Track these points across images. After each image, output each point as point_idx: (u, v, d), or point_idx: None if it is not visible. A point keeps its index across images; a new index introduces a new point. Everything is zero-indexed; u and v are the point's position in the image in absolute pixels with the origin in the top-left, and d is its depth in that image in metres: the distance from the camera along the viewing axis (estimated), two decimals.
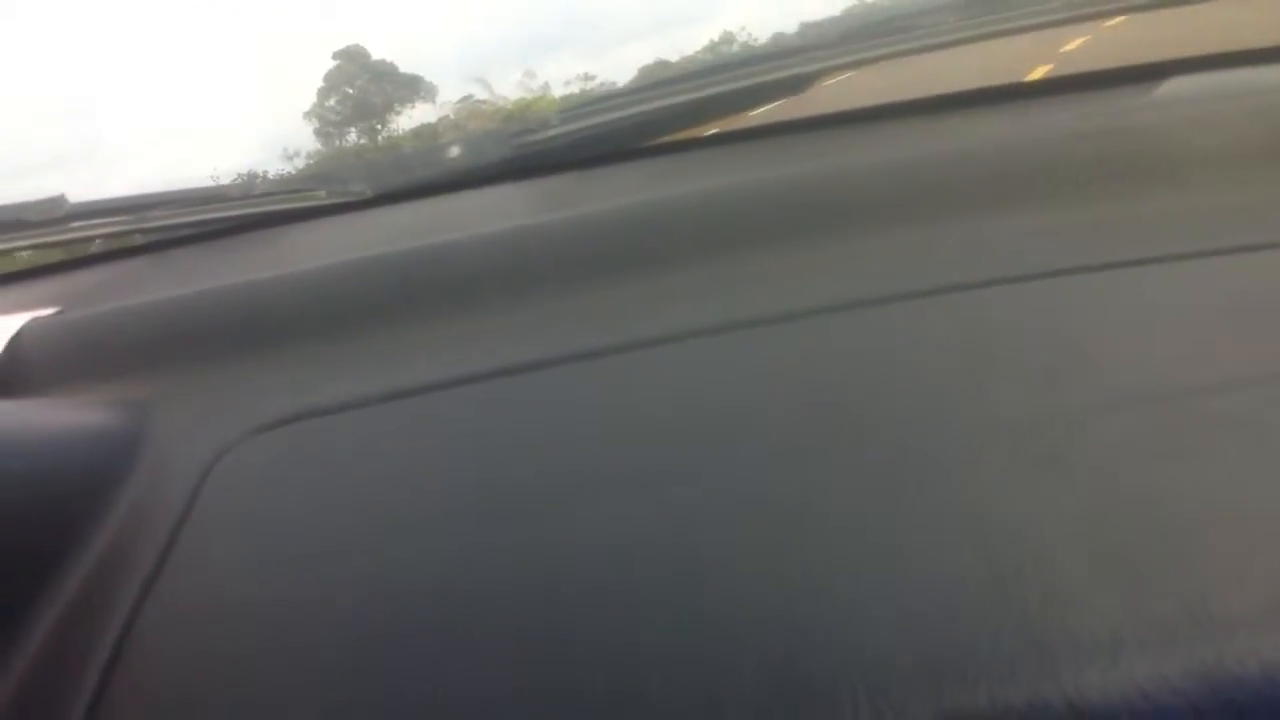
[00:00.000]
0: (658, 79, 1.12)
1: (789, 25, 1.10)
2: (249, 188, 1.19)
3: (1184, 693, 0.40)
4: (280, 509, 0.63)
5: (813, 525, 0.52)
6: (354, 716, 0.49)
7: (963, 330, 0.65)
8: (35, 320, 0.92)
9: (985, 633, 0.44)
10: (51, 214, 1.10)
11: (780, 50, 1.09)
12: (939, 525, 0.50)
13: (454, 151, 1.17)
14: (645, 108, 1.10)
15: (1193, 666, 0.41)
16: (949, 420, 0.56)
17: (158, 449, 0.69)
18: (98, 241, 1.27)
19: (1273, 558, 0.45)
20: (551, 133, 1.12)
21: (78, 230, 1.16)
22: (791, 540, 0.51)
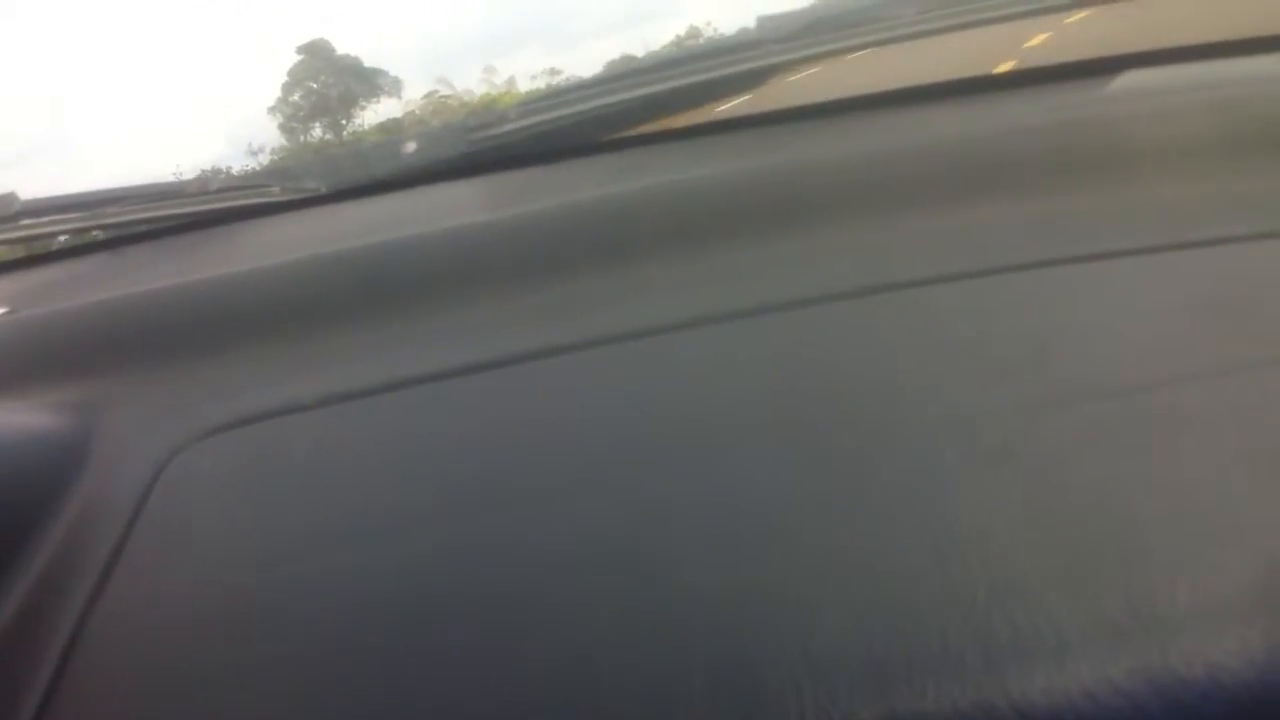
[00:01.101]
0: (618, 72, 1.11)
1: (754, 20, 1.09)
2: (204, 184, 1.17)
3: (1129, 694, 0.40)
4: (231, 512, 0.63)
5: (763, 522, 0.52)
6: (303, 712, 0.49)
7: (920, 324, 0.65)
8: None
9: (933, 633, 0.44)
10: (3, 212, 1.08)
11: (742, 43, 1.09)
12: (888, 523, 0.50)
13: (410, 147, 1.16)
14: (605, 101, 1.09)
15: (1138, 667, 0.41)
16: (902, 415, 0.56)
17: (107, 451, 0.68)
18: (51, 239, 1.26)
19: (1221, 557, 0.45)
20: (509, 127, 1.11)
21: (30, 228, 1.14)
22: (741, 539, 0.51)
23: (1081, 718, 0.40)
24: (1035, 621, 0.43)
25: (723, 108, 1.28)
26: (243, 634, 0.54)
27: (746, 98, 1.33)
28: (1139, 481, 0.49)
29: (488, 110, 1.18)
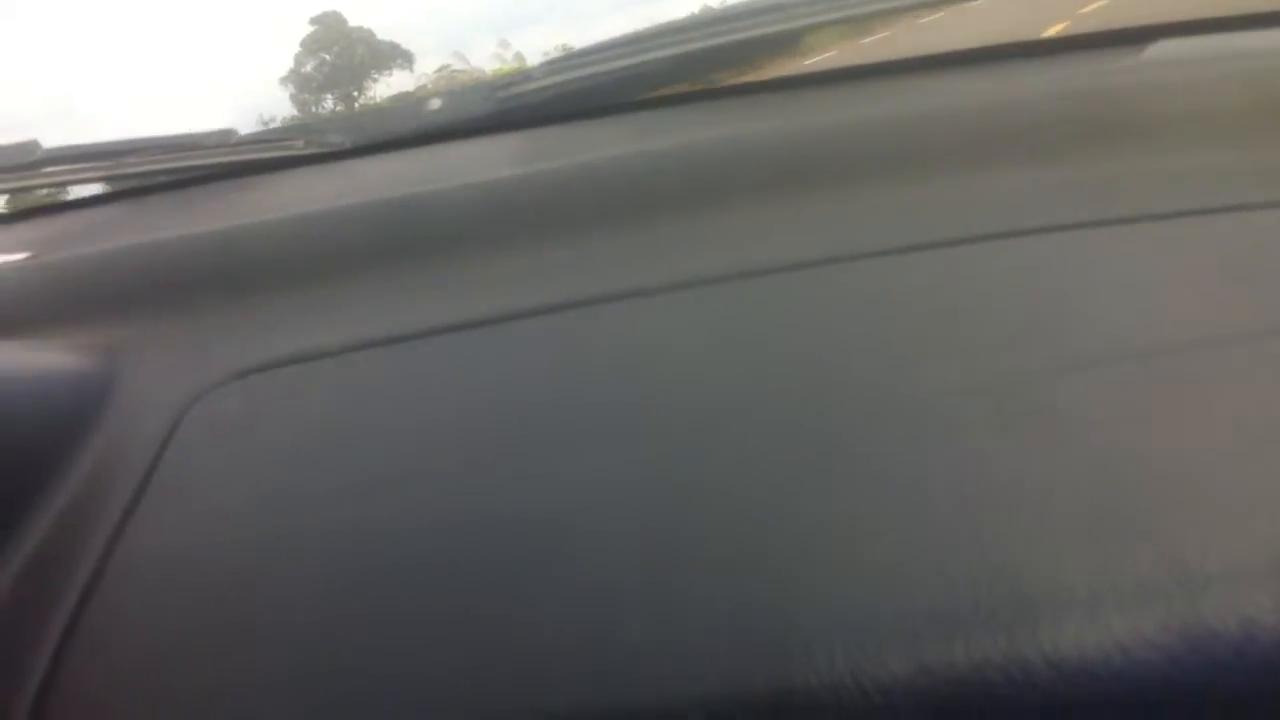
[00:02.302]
0: (645, 33, 1.10)
1: None
2: (227, 136, 1.17)
3: (1161, 647, 0.40)
4: (253, 455, 0.63)
5: (792, 479, 0.52)
6: (323, 661, 0.49)
7: (945, 286, 0.64)
8: (7, 264, 0.91)
9: (964, 586, 0.44)
10: (25, 158, 1.08)
11: (770, 5, 1.08)
12: (919, 480, 0.50)
13: (435, 104, 1.16)
14: (631, 61, 1.08)
15: (1171, 621, 0.41)
16: (930, 376, 0.56)
17: (130, 393, 0.69)
18: (72, 188, 1.26)
19: (1249, 513, 0.45)
20: (536, 85, 1.10)
21: (52, 176, 1.14)
22: (772, 494, 0.51)
23: (1114, 671, 0.40)
24: (1067, 575, 0.43)
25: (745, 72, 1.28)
26: (258, 582, 0.54)
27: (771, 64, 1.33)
28: (1167, 441, 0.49)
29: (513, 72, 1.17)
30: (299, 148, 1.15)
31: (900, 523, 0.48)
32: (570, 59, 1.15)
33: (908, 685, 0.42)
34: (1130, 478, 0.48)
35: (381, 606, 0.51)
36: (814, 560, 0.47)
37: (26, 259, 0.93)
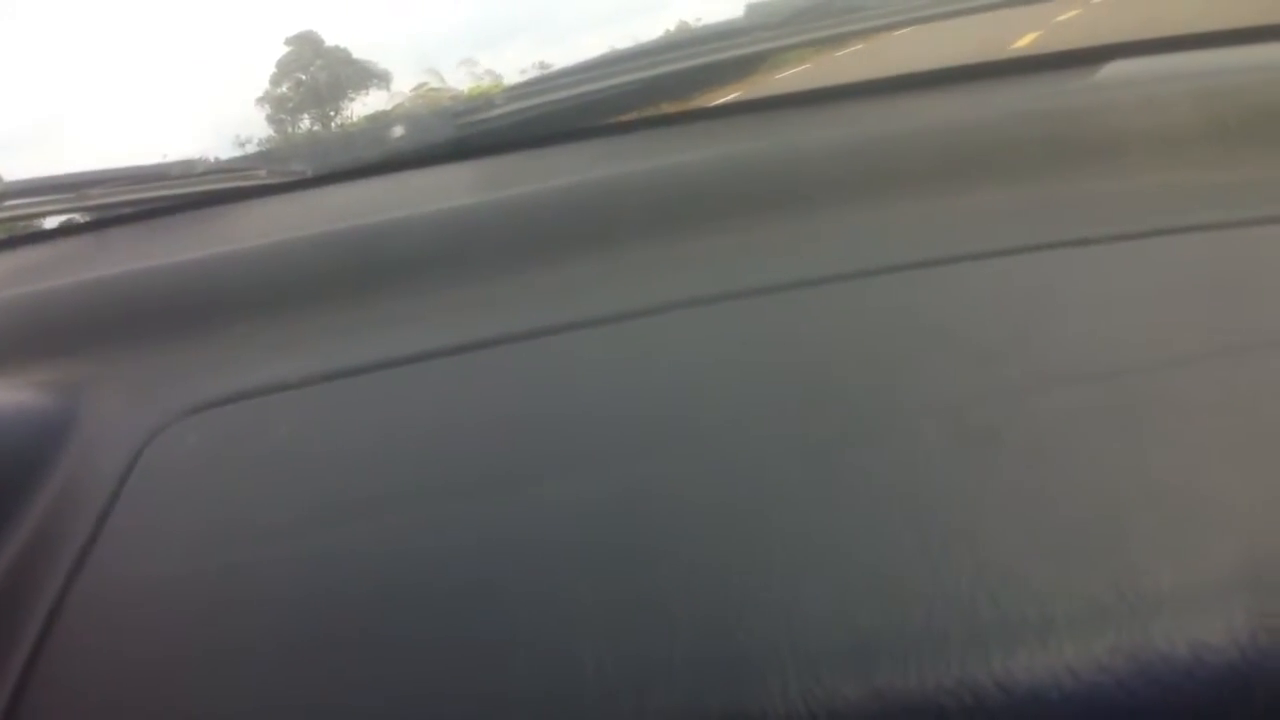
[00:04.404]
0: (607, 58, 1.10)
1: (744, 8, 1.09)
2: (190, 167, 1.16)
3: (1112, 671, 0.40)
4: (212, 491, 0.62)
5: (750, 502, 0.52)
6: (282, 694, 0.49)
7: (909, 309, 0.65)
8: None
9: (918, 611, 0.44)
10: None
11: (732, 30, 1.08)
12: (873, 502, 0.50)
13: (397, 131, 1.16)
14: (594, 87, 1.08)
15: (1122, 645, 0.41)
16: (889, 399, 0.56)
17: (88, 430, 0.68)
18: (35, 220, 1.25)
19: (1205, 537, 0.45)
20: (497, 112, 1.10)
21: (13, 209, 1.13)
22: (728, 518, 0.51)
23: (1065, 695, 0.40)
24: (1019, 600, 0.43)
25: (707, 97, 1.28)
26: (220, 614, 0.54)
27: (734, 88, 1.33)
28: (1125, 464, 0.49)
29: (476, 97, 1.17)
30: (262, 177, 1.14)
31: (855, 545, 0.48)
32: (534, 84, 1.15)
33: (860, 710, 0.42)
34: (1083, 501, 0.48)
35: (339, 633, 0.50)
36: (769, 584, 0.47)
37: None
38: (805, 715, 0.42)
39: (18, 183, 1.11)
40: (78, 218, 1.22)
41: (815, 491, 0.51)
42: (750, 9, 1.09)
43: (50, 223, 1.24)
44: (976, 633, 0.42)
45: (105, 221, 1.19)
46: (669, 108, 1.22)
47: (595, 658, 0.45)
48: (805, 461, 0.53)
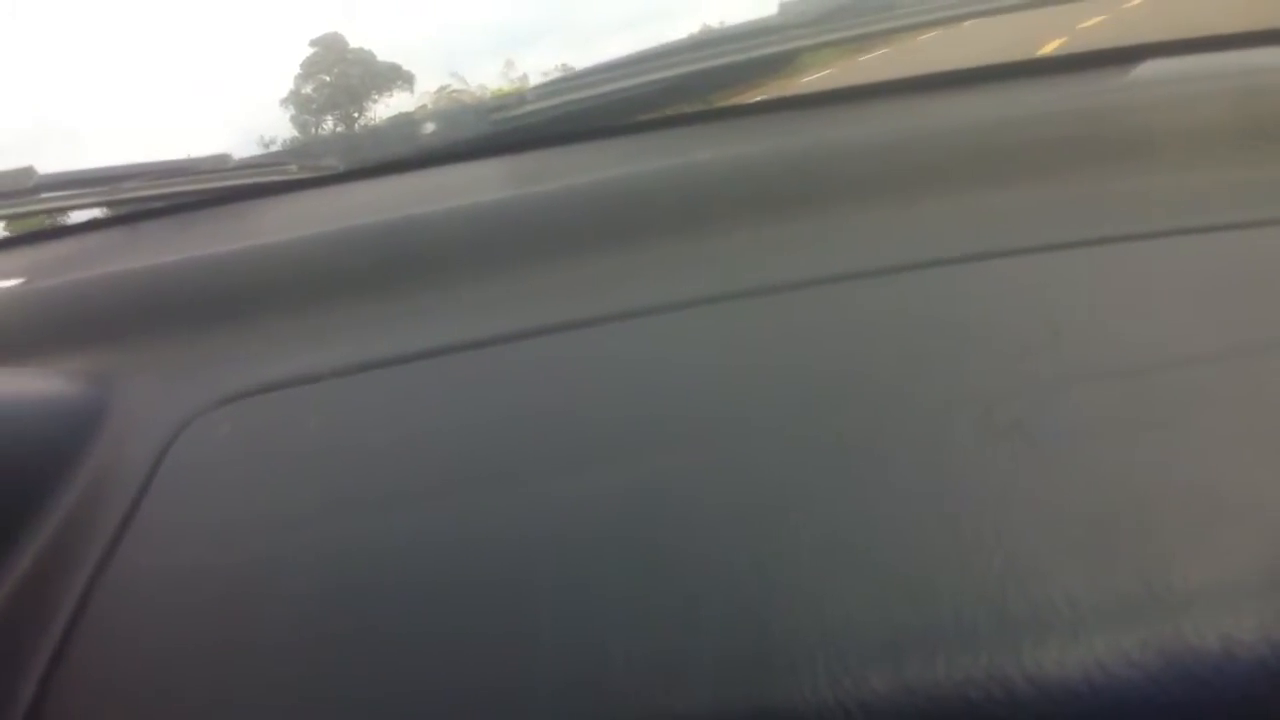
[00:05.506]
0: (639, 56, 1.10)
1: (776, 6, 1.09)
2: (221, 162, 1.17)
3: (1142, 666, 0.40)
4: (242, 480, 0.63)
5: (777, 497, 0.52)
6: (310, 683, 0.49)
7: (935, 304, 0.64)
8: (2, 290, 0.91)
9: (947, 604, 0.44)
10: (21, 185, 1.08)
11: (763, 28, 1.08)
12: (902, 497, 0.50)
13: (429, 127, 1.16)
14: (626, 84, 1.08)
15: (1152, 640, 0.41)
16: (918, 393, 0.56)
17: (121, 419, 0.68)
18: (68, 213, 1.26)
19: (1233, 532, 0.45)
20: (530, 109, 1.10)
21: (47, 202, 1.14)
22: (756, 512, 0.51)
23: (1095, 690, 0.40)
24: (1049, 594, 0.43)
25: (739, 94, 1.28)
26: (249, 604, 0.54)
27: (766, 86, 1.33)
28: (1154, 459, 0.49)
29: (509, 94, 1.17)
30: (293, 172, 1.15)
31: (883, 540, 0.48)
32: (564, 81, 1.15)
33: (889, 703, 0.42)
34: (1113, 493, 0.48)
35: (368, 625, 0.51)
36: (797, 578, 0.47)
37: (21, 284, 0.93)
38: (835, 708, 0.42)
39: (52, 176, 1.12)
40: (111, 211, 1.23)
41: (844, 486, 0.51)
42: (783, 7, 1.09)
43: (84, 216, 1.26)
44: (1006, 626, 0.42)
45: (138, 215, 1.20)
46: (695, 107, 1.22)
47: (625, 651, 0.46)
48: (834, 456, 0.53)
